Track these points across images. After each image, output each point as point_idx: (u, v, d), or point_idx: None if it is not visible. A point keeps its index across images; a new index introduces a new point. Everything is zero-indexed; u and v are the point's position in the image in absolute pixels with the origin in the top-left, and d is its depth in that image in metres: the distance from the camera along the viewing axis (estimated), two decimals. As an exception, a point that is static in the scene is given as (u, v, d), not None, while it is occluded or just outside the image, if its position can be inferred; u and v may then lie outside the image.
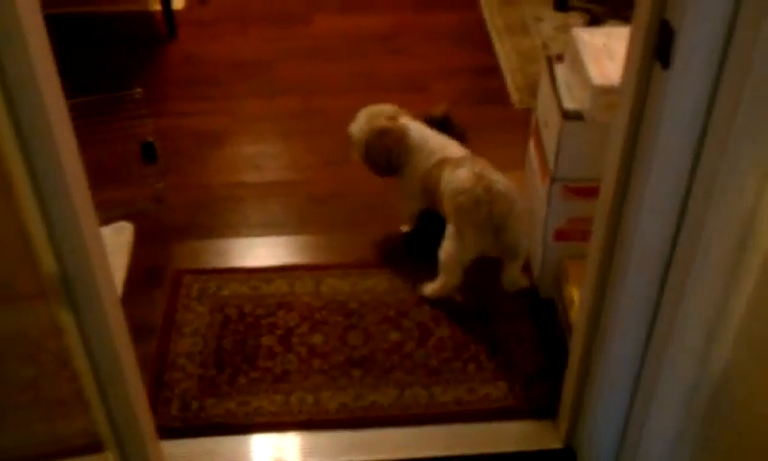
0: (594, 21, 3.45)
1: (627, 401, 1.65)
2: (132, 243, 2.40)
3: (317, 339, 2.12)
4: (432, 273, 2.22)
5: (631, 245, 1.42)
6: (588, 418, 1.72)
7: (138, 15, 3.61)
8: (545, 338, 2.13)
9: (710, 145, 1.26)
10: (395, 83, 3.17)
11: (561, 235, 2.13)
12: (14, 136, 1.21)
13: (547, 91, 2.09)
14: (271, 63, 3.29)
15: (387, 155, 2.29)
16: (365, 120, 2.32)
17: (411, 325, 2.16)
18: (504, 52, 3.37)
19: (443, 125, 2.45)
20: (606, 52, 1.95)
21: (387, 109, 2.34)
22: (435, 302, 2.22)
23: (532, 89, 3.08)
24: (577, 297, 1.97)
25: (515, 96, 3.11)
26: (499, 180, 2.09)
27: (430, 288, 2.22)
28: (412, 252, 2.40)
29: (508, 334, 2.14)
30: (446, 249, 2.14)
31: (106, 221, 2.35)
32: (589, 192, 1.99)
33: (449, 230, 2.14)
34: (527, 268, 2.29)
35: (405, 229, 2.46)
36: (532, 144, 2.30)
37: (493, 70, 3.27)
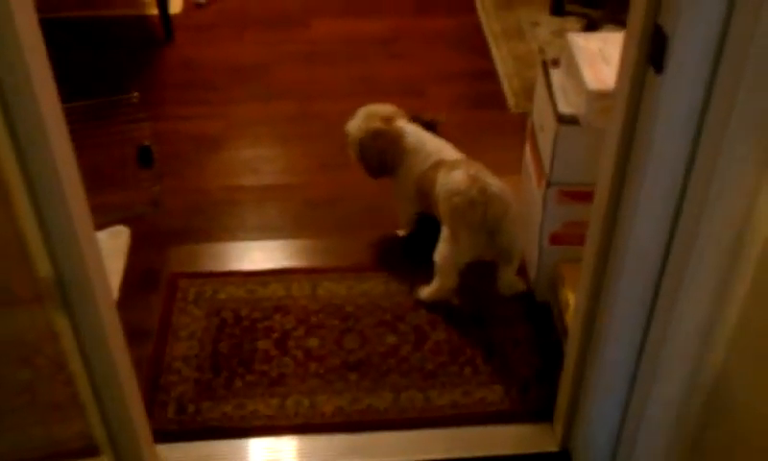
0: (591, 26, 3.46)
1: (622, 405, 1.66)
2: (128, 247, 2.40)
3: (313, 343, 2.12)
4: (428, 276, 2.22)
5: (625, 249, 1.42)
6: (584, 421, 1.72)
7: (135, 19, 3.61)
8: (541, 342, 2.13)
9: (704, 150, 1.26)
10: (392, 87, 3.17)
11: (556, 239, 2.13)
12: (10, 141, 1.21)
13: (543, 96, 2.10)
14: (268, 67, 3.30)
15: (379, 156, 2.30)
16: (361, 119, 2.33)
17: (407, 328, 2.16)
18: (501, 56, 3.38)
19: (427, 128, 2.46)
20: (601, 57, 1.96)
21: (385, 109, 2.35)
22: (431, 305, 2.22)
23: (528, 94, 3.09)
24: (573, 300, 1.98)
25: (511, 100, 3.12)
26: (494, 182, 2.10)
27: (426, 292, 2.22)
28: (409, 255, 2.41)
29: (504, 338, 2.14)
30: (441, 251, 2.15)
31: (102, 225, 2.35)
32: (585, 196, 1.99)
33: (444, 232, 2.14)
34: (523, 272, 2.30)
35: (402, 233, 2.47)
36: (528, 148, 2.31)
37: (490, 74, 3.28)
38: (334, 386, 2.01)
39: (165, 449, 1.85)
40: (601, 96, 1.87)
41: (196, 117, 3.01)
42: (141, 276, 2.34)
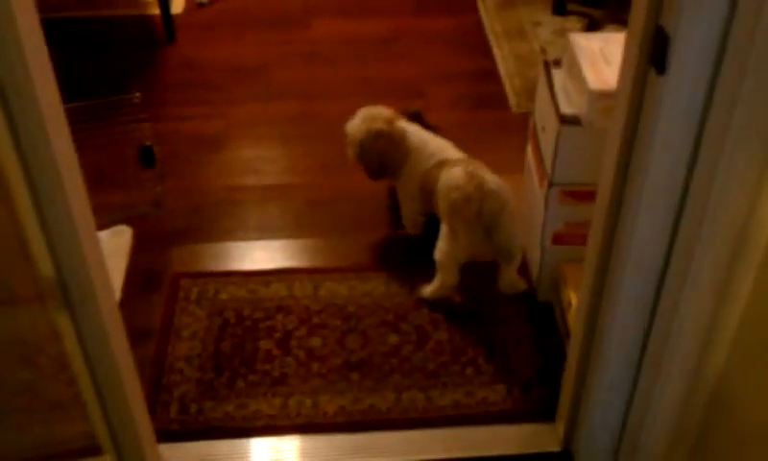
0: (592, 25, 3.46)
1: (624, 405, 1.66)
2: (130, 246, 2.41)
3: (315, 342, 2.12)
4: (429, 276, 2.22)
5: (627, 249, 1.42)
6: (586, 421, 1.72)
7: (137, 19, 3.61)
8: (543, 342, 2.13)
9: (706, 150, 1.26)
10: (393, 87, 3.17)
11: (558, 239, 2.13)
12: (11, 141, 1.21)
13: (545, 96, 2.10)
14: (269, 68, 3.30)
15: (380, 157, 2.30)
16: (362, 120, 2.33)
17: (409, 328, 2.16)
18: (502, 56, 3.38)
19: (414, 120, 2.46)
20: (603, 57, 1.96)
21: (385, 112, 2.36)
22: (433, 304, 2.22)
23: (530, 94, 3.09)
24: (575, 300, 1.98)
25: (513, 100, 3.12)
26: (491, 179, 2.11)
27: (428, 290, 2.23)
28: (410, 255, 2.41)
29: (506, 338, 2.14)
30: (441, 248, 2.15)
31: (104, 225, 2.35)
32: (587, 196, 1.99)
33: (443, 229, 2.15)
34: (525, 271, 2.30)
35: (410, 232, 2.45)
36: (530, 148, 2.31)
37: (492, 74, 3.28)
38: (336, 386, 2.01)
39: (167, 449, 1.85)
40: (602, 96, 1.87)
41: (197, 117, 3.01)
42: (143, 276, 2.34)
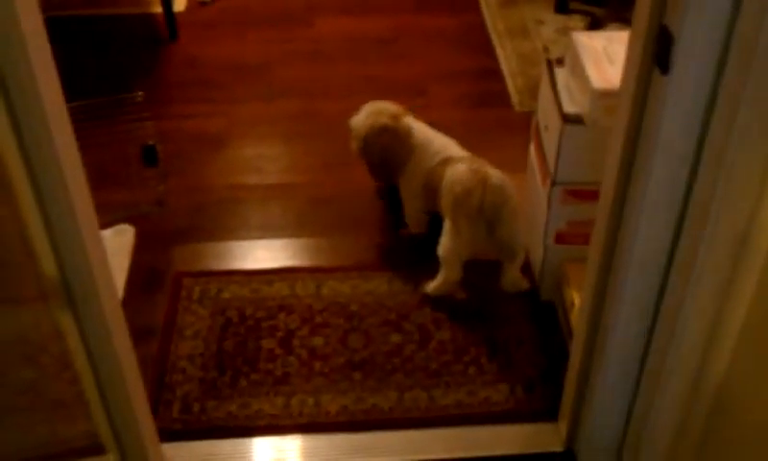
0: (595, 24, 3.46)
1: (627, 405, 1.66)
2: (132, 245, 2.41)
3: (317, 342, 2.12)
4: (432, 275, 2.22)
5: (631, 249, 1.42)
6: (589, 421, 1.72)
7: (139, 18, 3.61)
8: (546, 341, 2.13)
9: (710, 150, 1.26)
10: (395, 85, 3.17)
11: (561, 238, 2.13)
12: (15, 139, 1.21)
13: (548, 95, 2.10)
14: (271, 66, 3.30)
15: (383, 153, 2.31)
16: (367, 115, 2.34)
17: (411, 327, 2.16)
18: (505, 55, 3.37)
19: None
20: (606, 56, 1.96)
21: (391, 107, 2.35)
22: (436, 301, 2.22)
23: (533, 92, 3.08)
24: (578, 300, 1.98)
25: (515, 99, 3.11)
26: (495, 174, 2.12)
27: (432, 285, 2.23)
28: (413, 254, 2.41)
29: (509, 337, 2.14)
30: (444, 244, 2.16)
31: (107, 224, 2.35)
32: (590, 195, 1.99)
33: (446, 225, 2.16)
34: (528, 270, 2.30)
35: (412, 231, 2.46)
36: (532, 147, 2.31)
37: (494, 73, 3.28)
38: (339, 385, 2.01)
39: (170, 448, 1.85)
40: (606, 95, 1.86)
41: (199, 115, 3.01)
42: (146, 274, 2.34)
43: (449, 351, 2.10)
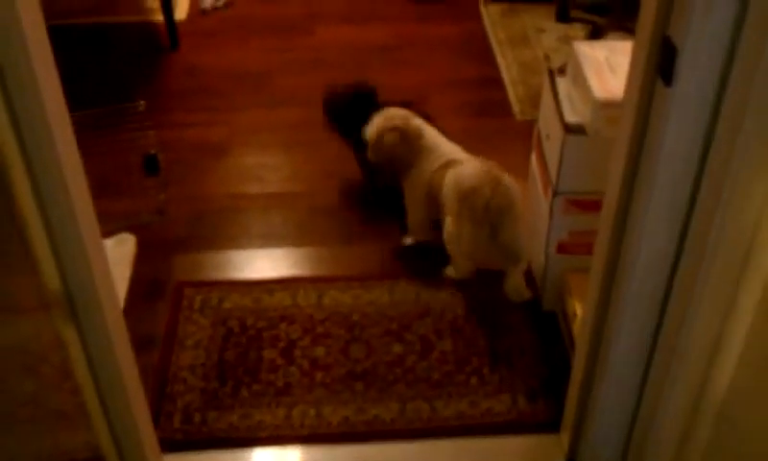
0: (596, 32, 3.46)
1: (630, 417, 1.65)
2: (134, 255, 2.40)
3: (319, 352, 2.11)
4: (434, 284, 2.22)
5: (634, 261, 1.42)
6: (591, 432, 1.72)
7: (140, 26, 3.62)
8: (548, 351, 2.12)
9: (714, 161, 1.26)
10: (397, 94, 3.16)
11: (563, 248, 2.12)
12: (18, 151, 1.21)
13: (549, 104, 2.09)
14: (272, 75, 3.30)
15: (391, 151, 2.31)
16: (379, 117, 2.35)
17: (413, 338, 2.16)
18: (506, 63, 3.38)
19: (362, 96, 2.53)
20: (608, 65, 1.96)
21: (402, 112, 2.39)
22: (438, 312, 2.22)
23: (534, 101, 3.09)
24: (579, 310, 1.97)
25: (516, 107, 3.12)
26: (505, 177, 2.14)
27: (450, 270, 2.31)
28: (415, 262, 2.40)
29: (510, 347, 2.14)
30: (449, 240, 2.22)
31: (108, 233, 2.35)
32: (591, 206, 1.99)
33: (448, 222, 2.19)
34: (529, 280, 2.29)
35: (409, 241, 2.46)
36: (534, 157, 2.31)
37: (495, 82, 3.28)
38: (340, 396, 2.00)
39: (171, 459, 1.85)
40: (608, 105, 1.86)
41: (200, 124, 3.01)
42: (146, 284, 2.34)
43: (451, 361, 2.10)
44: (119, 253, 2.38)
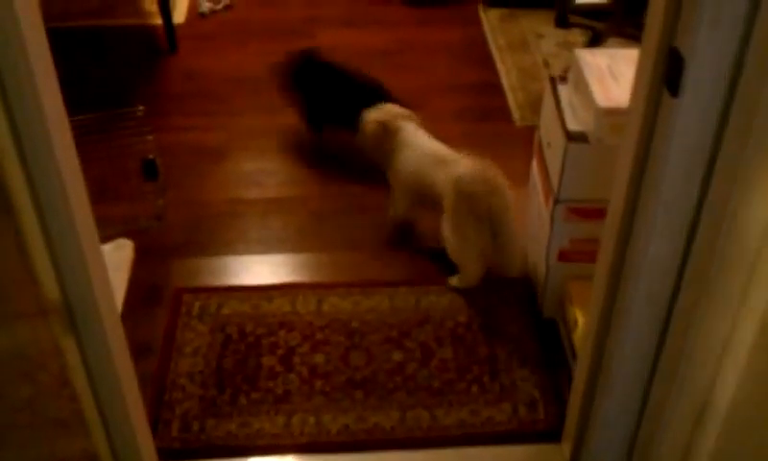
0: (596, 38, 3.45)
1: (633, 426, 1.64)
2: (132, 260, 2.39)
3: (318, 359, 2.10)
4: (435, 292, 2.21)
5: (639, 270, 1.41)
6: (594, 442, 1.70)
7: (139, 30, 3.60)
8: (549, 360, 2.11)
9: (720, 172, 1.25)
10: (396, 98, 3.16)
11: (564, 256, 2.12)
12: (16, 153, 1.19)
13: (551, 111, 2.09)
14: (272, 78, 3.28)
15: (372, 140, 2.47)
16: (373, 112, 2.51)
17: (413, 345, 2.15)
18: (505, 69, 3.37)
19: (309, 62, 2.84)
20: (610, 73, 1.95)
21: (397, 110, 2.52)
22: (438, 319, 2.21)
23: (533, 107, 3.08)
24: (581, 318, 1.96)
25: (516, 113, 3.11)
26: (500, 175, 2.20)
27: (455, 279, 2.31)
28: (418, 270, 2.39)
29: (511, 355, 2.12)
30: (452, 245, 2.24)
31: (106, 238, 2.33)
32: (593, 214, 1.98)
33: (447, 227, 2.22)
34: (530, 288, 2.28)
35: (396, 214, 2.51)
36: (535, 164, 2.30)
37: (495, 87, 3.27)
38: (340, 404, 1.99)
39: (169, 468, 1.84)
40: (611, 113, 1.85)
41: (199, 128, 3.00)
42: (144, 290, 2.32)
43: (451, 369, 2.09)
44: (117, 258, 2.37)
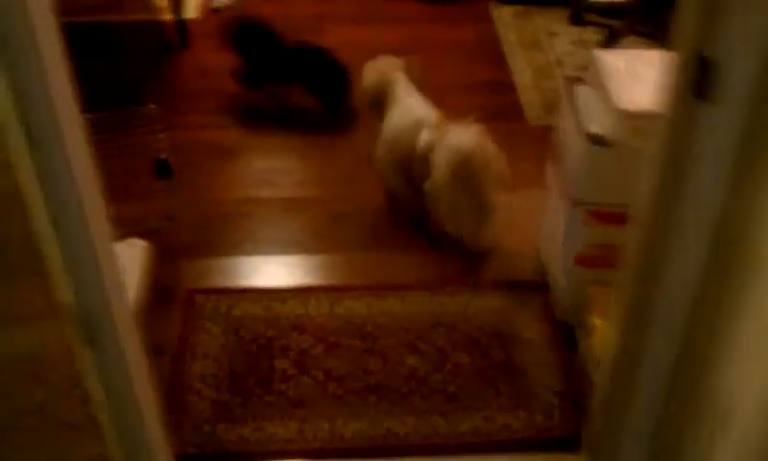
0: (611, 37, 3.41)
1: (656, 437, 1.61)
2: (145, 260, 2.36)
3: (332, 363, 2.08)
4: (449, 292, 2.18)
5: (667, 279, 1.38)
6: (615, 454, 1.67)
7: (150, 25, 3.57)
8: (565, 364, 2.09)
9: (750, 180, 1.22)
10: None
11: (581, 260, 2.08)
12: (29, 157, 1.17)
13: (568, 113, 2.05)
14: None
15: (370, 89, 2.57)
16: (374, 63, 2.63)
17: (428, 349, 2.12)
18: (519, 67, 3.34)
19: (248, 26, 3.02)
20: (629, 75, 1.92)
21: (394, 61, 2.61)
22: (452, 322, 2.18)
23: (547, 106, 3.05)
24: (600, 325, 1.93)
25: (530, 112, 3.08)
26: (489, 140, 2.28)
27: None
28: (433, 272, 2.37)
29: (526, 359, 2.10)
30: (440, 211, 2.32)
31: (118, 238, 2.31)
32: (613, 218, 1.95)
33: (434, 192, 2.30)
34: (546, 290, 2.26)
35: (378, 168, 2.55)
36: (552, 165, 2.27)
37: (508, 85, 3.24)
38: (354, 409, 1.97)
39: (182, 472, 1.82)
40: (632, 116, 1.82)
41: (211, 126, 2.97)
42: (156, 290, 2.29)
43: (466, 373, 2.06)
44: (128, 256, 2.34)
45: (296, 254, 2.44)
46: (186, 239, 2.47)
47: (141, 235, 2.42)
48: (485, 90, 3.23)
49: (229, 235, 2.50)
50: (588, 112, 1.99)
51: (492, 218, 2.33)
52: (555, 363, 2.09)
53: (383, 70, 2.58)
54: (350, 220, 2.56)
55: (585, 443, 1.83)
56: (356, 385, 2.02)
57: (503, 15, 3.69)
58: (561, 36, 3.56)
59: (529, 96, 3.16)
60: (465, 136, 2.25)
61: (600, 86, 1.95)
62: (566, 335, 2.17)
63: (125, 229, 2.39)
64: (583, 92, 2.06)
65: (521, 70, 3.32)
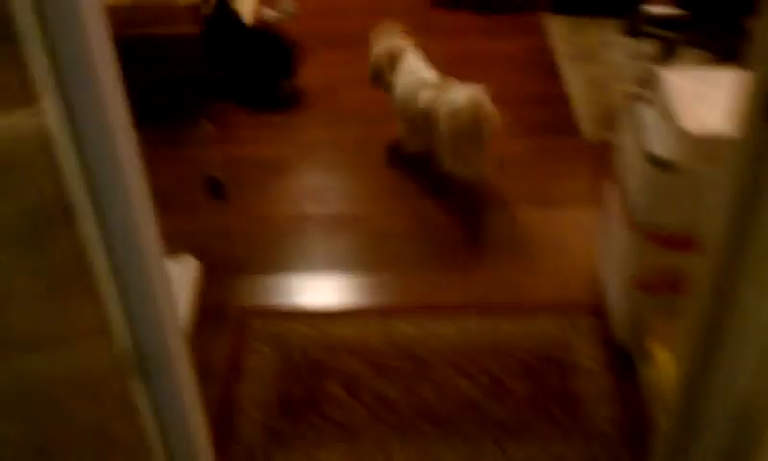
0: (669, 49, 3.32)
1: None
2: (195, 278, 2.35)
3: (384, 388, 2.03)
4: (503, 314, 2.12)
5: (739, 315, 1.30)
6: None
7: (199, 38, 3.57)
8: (623, 393, 2.01)
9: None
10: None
11: (642, 285, 2.01)
12: (82, 177, 1.15)
13: (629, 132, 1.99)
14: (336, 89, 3.23)
15: (377, 62, 2.81)
16: (385, 39, 2.87)
17: (481, 374, 2.06)
18: (572, 80, 3.26)
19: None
20: (698, 98, 1.84)
21: (402, 42, 2.84)
22: (506, 349, 2.12)
23: (602, 120, 2.97)
24: (660, 356, 1.86)
25: (584, 126, 3.00)
26: (487, 100, 2.48)
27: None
28: (486, 292, 2.31)
29: (584, 388, 2.03)
30: (447, 162, 2.55)
31: (168, 254, 2.30)
32: (674, 242, 1.88)
33: (441, 146, 2.53)
34: (604, 312, 2.19)
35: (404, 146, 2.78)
36: (610, 184, 2.19)
37: (561, 99, 3.17)
38: (407, 436, 1.92)
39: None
40: (699, 140, 1.75)
41: (262, 141, 2.96)
42: (205, 308, 2.28)
43: (521, 400, 2.00)
44: (178, 274, 2.33)
45: (346, 272, 2.40)
46: (237, 256, 2.46)
47: (191, 251, 2.41)
48: (538, 103, 3.16)
49: (280, 253, 2.48)
50: (651, 133, 1.91)
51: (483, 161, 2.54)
52: (612, 391, 2.02)
53: (393, 45, 2.82)
54: (402, 237, 2.52)
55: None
56: (408, 411, 1.98)
57: (556, 27, 3.62)
58: (615, 47, 3.48)
59: (583, 109, 3.08)
60: (462, 92, 2.48)
61: (664, 107, 1.88)
62: (624, 361, 2.09)
63: (176, 245, 2.39)
64: (645, 111, 1.99)
65: (575, 83, 3.24)
